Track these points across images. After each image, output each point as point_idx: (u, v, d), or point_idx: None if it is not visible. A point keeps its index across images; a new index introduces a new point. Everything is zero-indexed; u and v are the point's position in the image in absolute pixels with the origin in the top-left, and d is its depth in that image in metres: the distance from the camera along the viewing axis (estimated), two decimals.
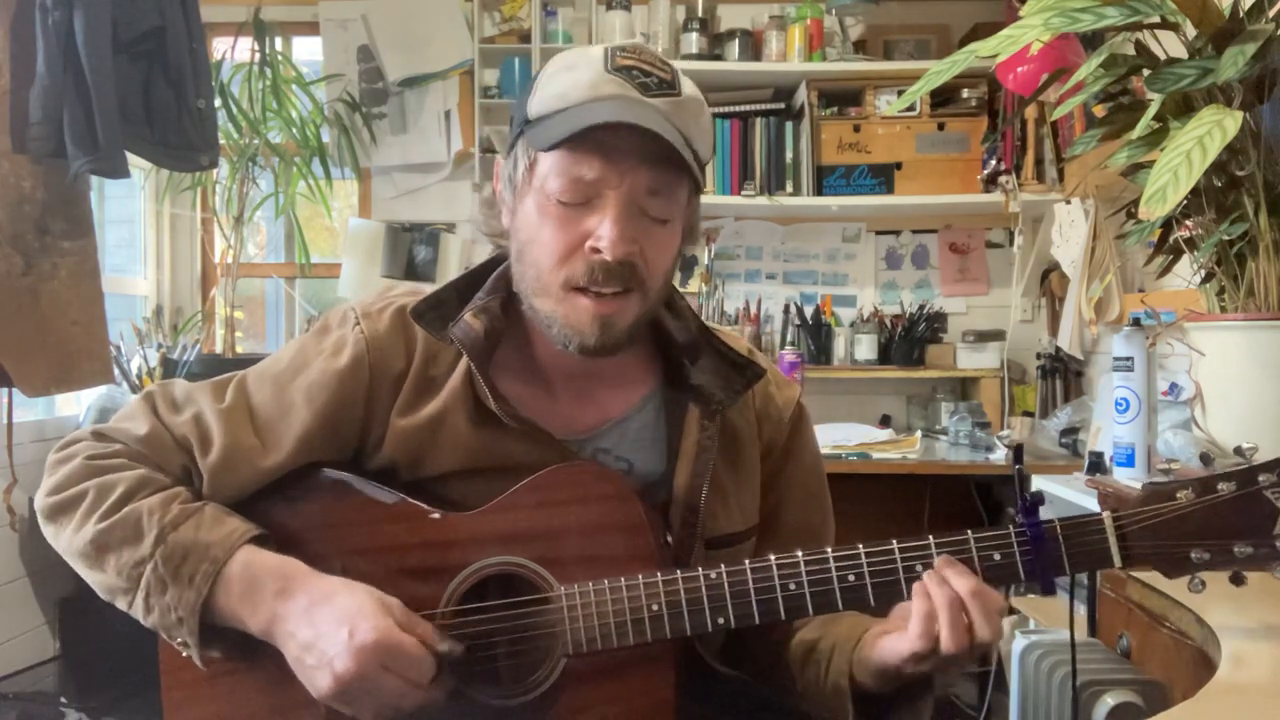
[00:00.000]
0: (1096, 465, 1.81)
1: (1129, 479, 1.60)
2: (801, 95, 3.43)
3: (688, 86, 1.04)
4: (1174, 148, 1.34)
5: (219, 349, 3.51)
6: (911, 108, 3.36)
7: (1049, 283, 3.41)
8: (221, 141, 3.12)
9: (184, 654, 1.01)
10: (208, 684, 1.05)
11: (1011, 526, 0.95)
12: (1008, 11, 3.27)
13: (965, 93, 3.39)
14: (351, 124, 3.61)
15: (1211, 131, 1.32)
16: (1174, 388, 2.01)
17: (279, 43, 3.59)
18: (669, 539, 1.07)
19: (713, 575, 0.97)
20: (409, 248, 3.68)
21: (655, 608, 0.97)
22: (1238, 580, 0.93)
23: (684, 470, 1.09)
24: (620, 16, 3.42)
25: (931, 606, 0.92)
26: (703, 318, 1.18)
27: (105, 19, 2.42)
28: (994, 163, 3.32)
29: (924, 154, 3.39)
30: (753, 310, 3.54)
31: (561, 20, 3.56)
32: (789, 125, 3.44)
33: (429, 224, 3.70)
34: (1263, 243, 1.48)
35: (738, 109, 3.46)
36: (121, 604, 1.02)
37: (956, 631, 0.91)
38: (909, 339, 3.44)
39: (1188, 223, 1.63)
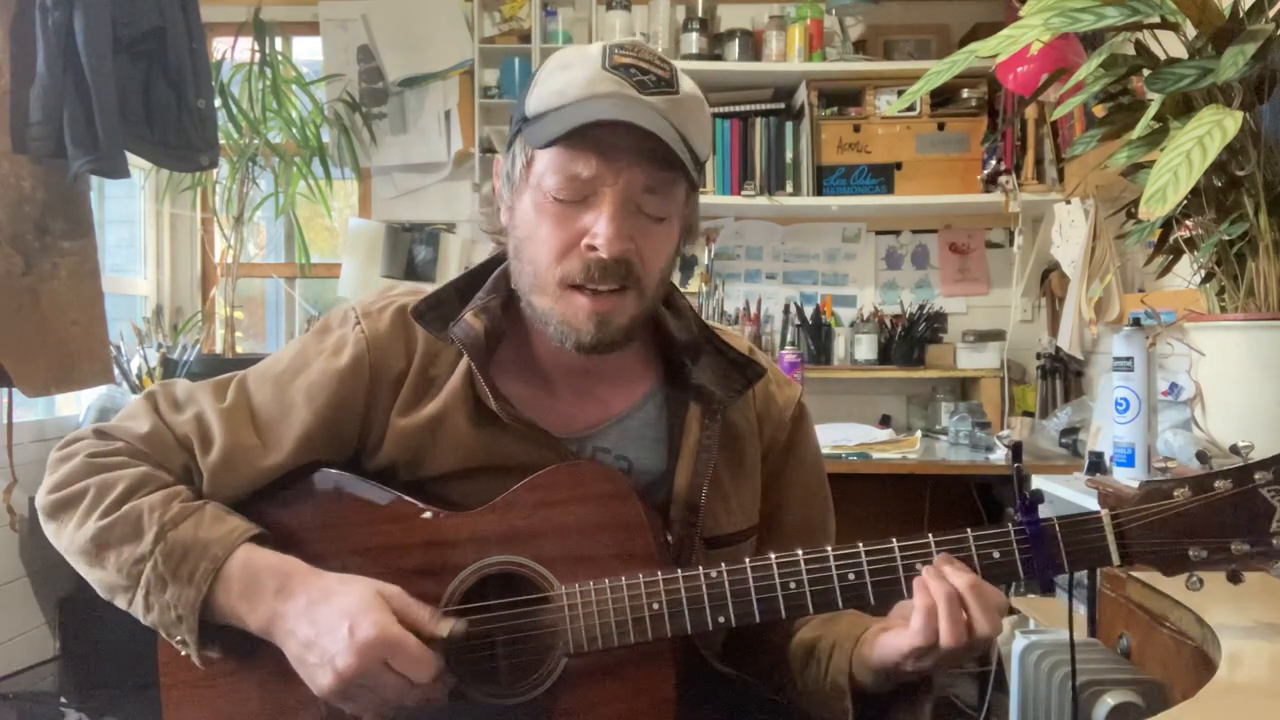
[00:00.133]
0: (1096, 465, 1.81)
1: (1129, 479, 1.60)
2: (801, 95, 3.43)
3: (686, 84, 1.04)
4: (1174, 148, 1.34)
5: (219, 349, 3.51)
6: (911, 108, 3.37)
7: (1049, 283, 3.41)
8: (221, 141, 3.12)
9: (183, 653, 1.01)
10: (207, 683, 1.05)
11: (1010, 525, 0.95)
12: (1008, 11, 3.27)
13: (965, 93, 3.39)
14: (351, 124, 3.61)
15: (1211, 131, 1.32)
16: (1174, 388, 2.01)
17: (279, 43, 3.59)
18: (669, 538, 1.07)
19: (713, 574, 0.97)
20: (409, 248, 3.68)
21: (656, 607, 0.97)
22: (1235, 578, 0.93)
23: (685, 469, 1.09)
24: (620, 16, 3.42)
25: (931, 601, 0.92)
26: (703, 317, 1.18)
27: (105, 19, 2.42)
28: (994, 163, 3.33)
29: (924, 154, 3.39)
30: (753, 310, 3.54)
31: (561, 20, 3.56)
32: (789, 125, 3.45)
33: (429, 224, 3.70)
34: (1263, 243, 1.48)
35: (738, 109, 3.46)
36: (121, 602, 1.02)
37: (955, 626, 0.91)
38: (909, 339, 3.44)
39: (1188, 223, 1.63)
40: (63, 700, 2.84)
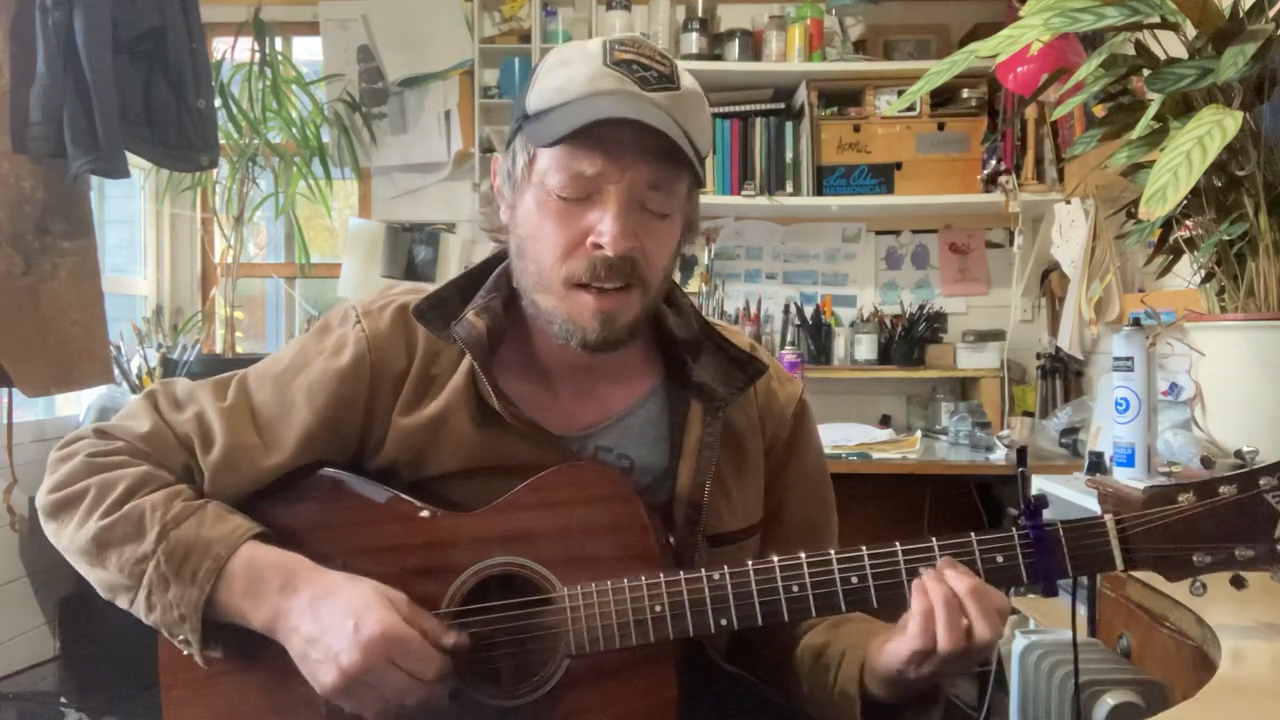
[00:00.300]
0: (1096, 465, 1.81)
1: (1129, 479, 1.60)
2: (801, 95, 3.43)
3: (686, 80, 1.04)
4: (1174, 148, 1.34)
5: (219, 349, 3.51)
6: (911, 108, 3.37)
7: (1049, 283, 3.41)
8: (221, 141, 3.12)
9: (185, 652, 1.01)
10: (207, 683, 1.05)
11: (1014, 529, 0.95)
12: (1008, 11, 3.27)
13: (965, 93, 3.39)
14: (351, 124, 3.61)
15: (1211, 131, 1.32)
16: (1174, 388, 2.01)
17: (279, 43, 3.59)
18: (670, 539, 1.07)
19: (715, 576, 0.97)
20: (409, 248, 3.68)
21: (658, 608, 0.97)
22: (1238, 583, 0.93)
23: (687, 467, 1.09)
24: (620, 16, 3.42)
25: (928, 604, 0.91)
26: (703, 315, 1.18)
27: (105, 19, 2.42)
28: (994, 163, 3.33)
29: (924, 154, 3.39)
30: (753, 310, 3.55)
31: (561, 20, 3.56)
32: (789, 125, 3.45)
33: (429, 224, 3.70)
34: (1263, 243, 1.48)
35: (738, 109, 3.46)
36: (123, 602, 1.02)
37: (953, 630, 0.90)
38: (909, 339, 3.44)
39: (1188, 223, 1.63)
40: (63, 700, 2.84)
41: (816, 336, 3.50)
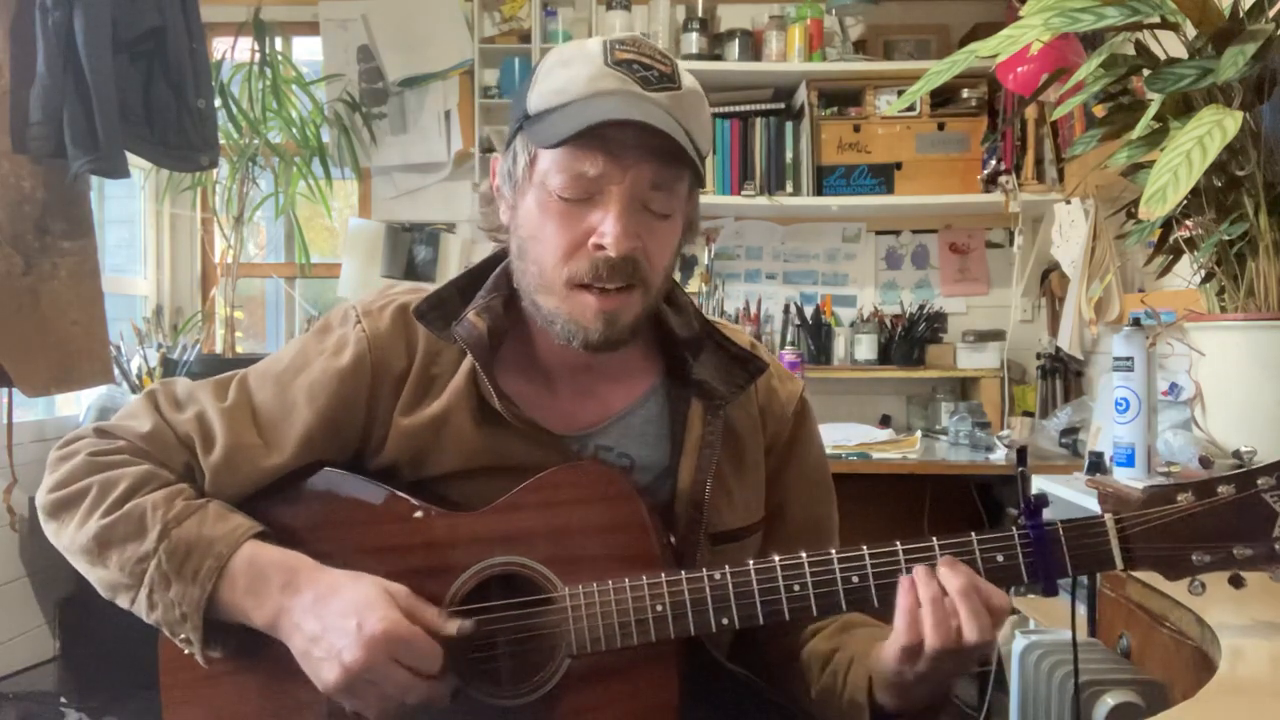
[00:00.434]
0: (1096, 465, 1.81)
1: (1129, 479, 1.60)
2: (801, 95, 3.43)
3: (687, 79, 1.04)
4: (1174, 148, 1.34)
5: (219, 349, 3.51)
6: (911, 108, 3.37)
7: (1049, 283, 3.41)
8: (221, 141, 3.13)
9: (186, 651, 1.01)
10: (207, 683, 1.05)
11: (1015, 528, 0.95)
12: (1008, 11, 3.27)
13: (965, 93, 3.39)
14: (351, 124, 3.61)
15: (1211, 131, 1.32)
16: (1174, 388, 2.01)
17: (279, 43, 3.59)
18: (671, 539, 1.07)
19: (716, 576, 0.97)
20: (409, 248, 3.68)
21: (659, 608, 0.97)
22: (1237, 583, 0.93)
23: (688, 466, 1.09)
24: (620, 16, 3.42)
25: (910, 602, 0.92)
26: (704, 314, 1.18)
27: (105, 19, 2.42)
28: (994, 163, 3.33)
29: (924, 154, 3.39)
30: (753, 310, 3.55)
31: (561, 20, 3.57)
32: (789, 125, 3.45)
33: (429, 224, 3.70)
34: (1263, 243, 1.48)
35: (738, 109, 3.46)
36: (123, 601, 1.02)
37: (942, 628, 0.90)
38: (909, 339, 3.45)
39: (1188, 223, 1.63)
40: (63, 700, 2.84)
41: (816, 336, 3.50)
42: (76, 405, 3.34)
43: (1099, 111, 1.82)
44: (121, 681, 2.81)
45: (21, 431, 2.85)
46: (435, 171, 3.70)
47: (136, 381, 3.27)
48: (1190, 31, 1.51)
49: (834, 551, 0.96)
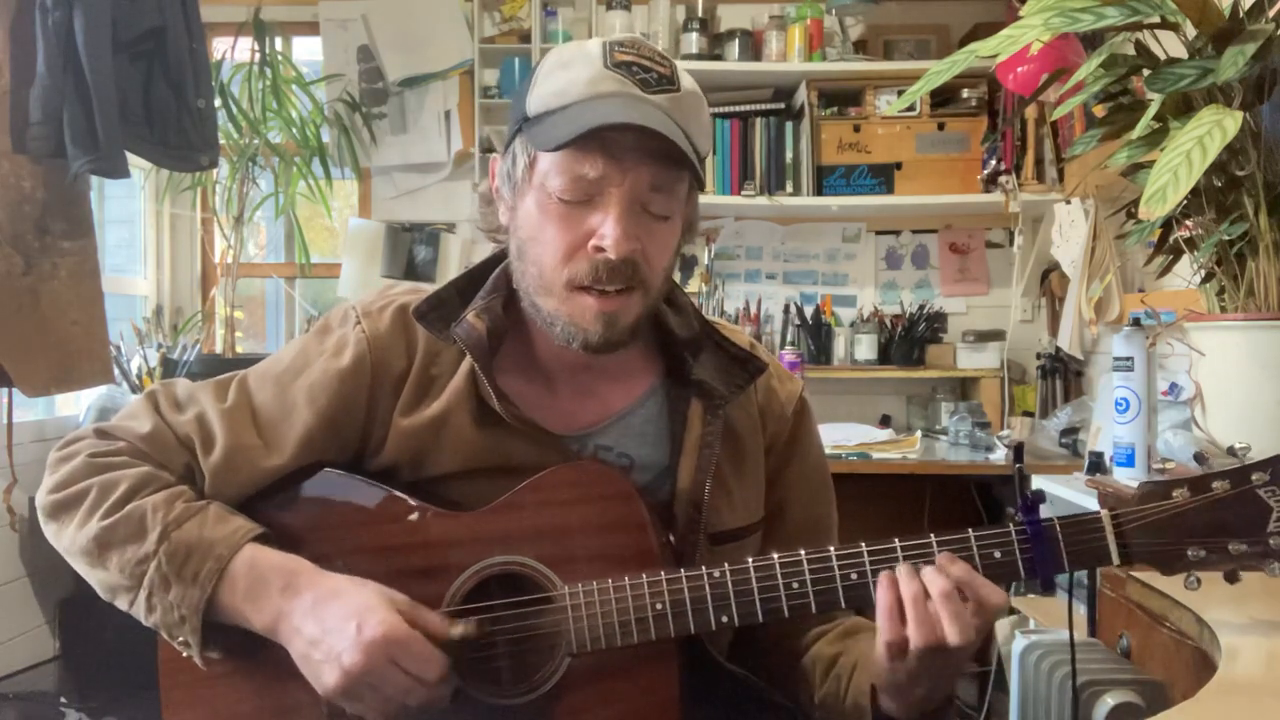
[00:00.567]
0: (1096, 465, 1.81)
1: (1129, 479, 1.60)
2: (801, 95, 3.43)
3: (686, 80, 1.04)
4: (1174, 148, 1.34)
5: (219, 349, 3.51)
6: (911, 108, 3.37)
7: (1049, 283, 3.41)
8: (221, 141, 3.12)
9: (185, 654, 1.01)
10: (207, 685, 1.05)
11: (1012, 525, 0.95)
12: (1008, 11, 3.27)
13: (965, 93, 3.39)
14: (351, 124, 3.61)
15: (1211, 131, 1.32)
16: (1174, 388, 2.01)
17: (279, 43, 3.59)
18: (671, 538, 1.07)
19: (716, 574, 0.97)
20: (409, 248, 3.68)
21: (659, 606, 0.97)
22: (1232, 578, 0.93)
23: (688, 465, 1.09)
24: (620, 16, 3.42)
25: (892, 598, 0.92)
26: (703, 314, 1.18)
27: (105, 19, 2.42)
28: (994, 163, 3.33)
29: (924, 154, 3.39)
30: (753, 310, 3.55)
31: (561, 20, 3.57)
32: (789, 125, 3.45)
33: (429, 224, 3.70)
34: (1263, 243, 1.48)
35: (738, 109, 3.46)
36: (123, 603, 1.02)
37: (921, 627, 0.90)
38: (909, 339, 3.45)
39: (1188, 223, 1.63)
40: (63, 700, 2.84)
41: (816, 336, 3.50)
42: (76, 405, 3.34)
43: (1099, 111, 1.82)
44: (121, 682, 2.81)
45: (21, 431, 2.85)
46: (435, 171, 3.70)
47: (136, 382, 3.27)
48: (1190, 31, 1.51)
49: (833, 549, 0.96)
